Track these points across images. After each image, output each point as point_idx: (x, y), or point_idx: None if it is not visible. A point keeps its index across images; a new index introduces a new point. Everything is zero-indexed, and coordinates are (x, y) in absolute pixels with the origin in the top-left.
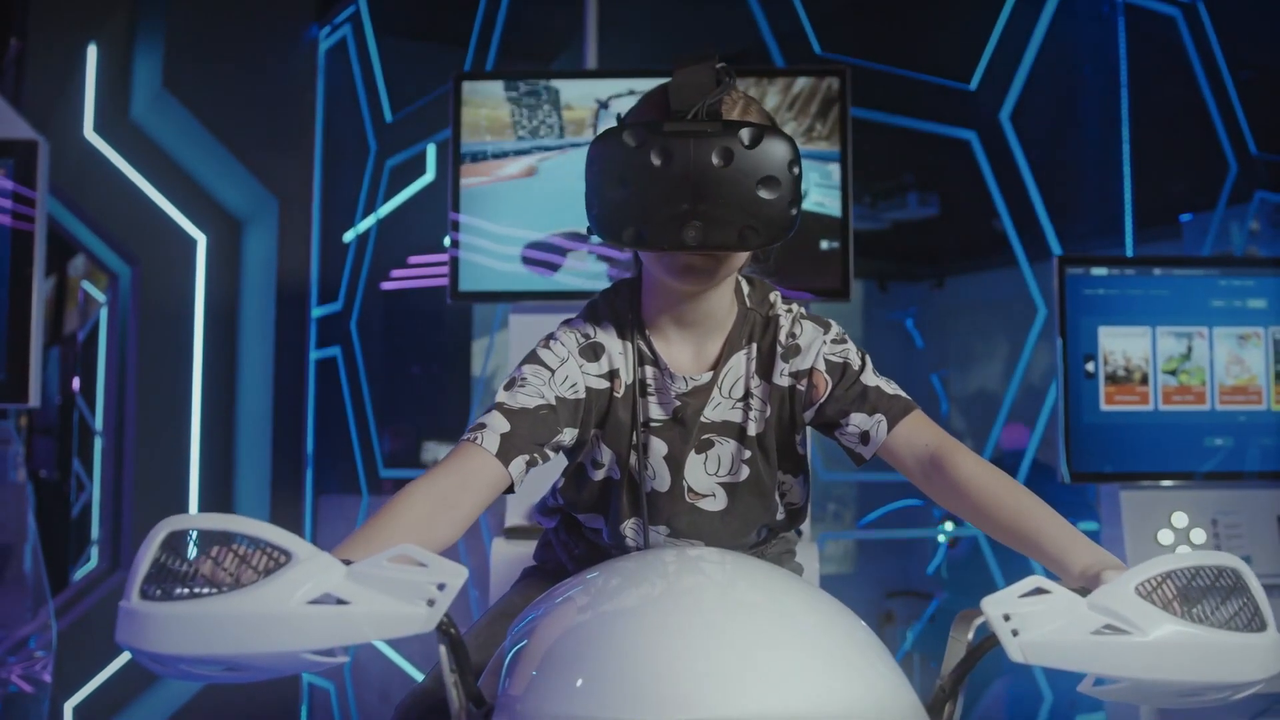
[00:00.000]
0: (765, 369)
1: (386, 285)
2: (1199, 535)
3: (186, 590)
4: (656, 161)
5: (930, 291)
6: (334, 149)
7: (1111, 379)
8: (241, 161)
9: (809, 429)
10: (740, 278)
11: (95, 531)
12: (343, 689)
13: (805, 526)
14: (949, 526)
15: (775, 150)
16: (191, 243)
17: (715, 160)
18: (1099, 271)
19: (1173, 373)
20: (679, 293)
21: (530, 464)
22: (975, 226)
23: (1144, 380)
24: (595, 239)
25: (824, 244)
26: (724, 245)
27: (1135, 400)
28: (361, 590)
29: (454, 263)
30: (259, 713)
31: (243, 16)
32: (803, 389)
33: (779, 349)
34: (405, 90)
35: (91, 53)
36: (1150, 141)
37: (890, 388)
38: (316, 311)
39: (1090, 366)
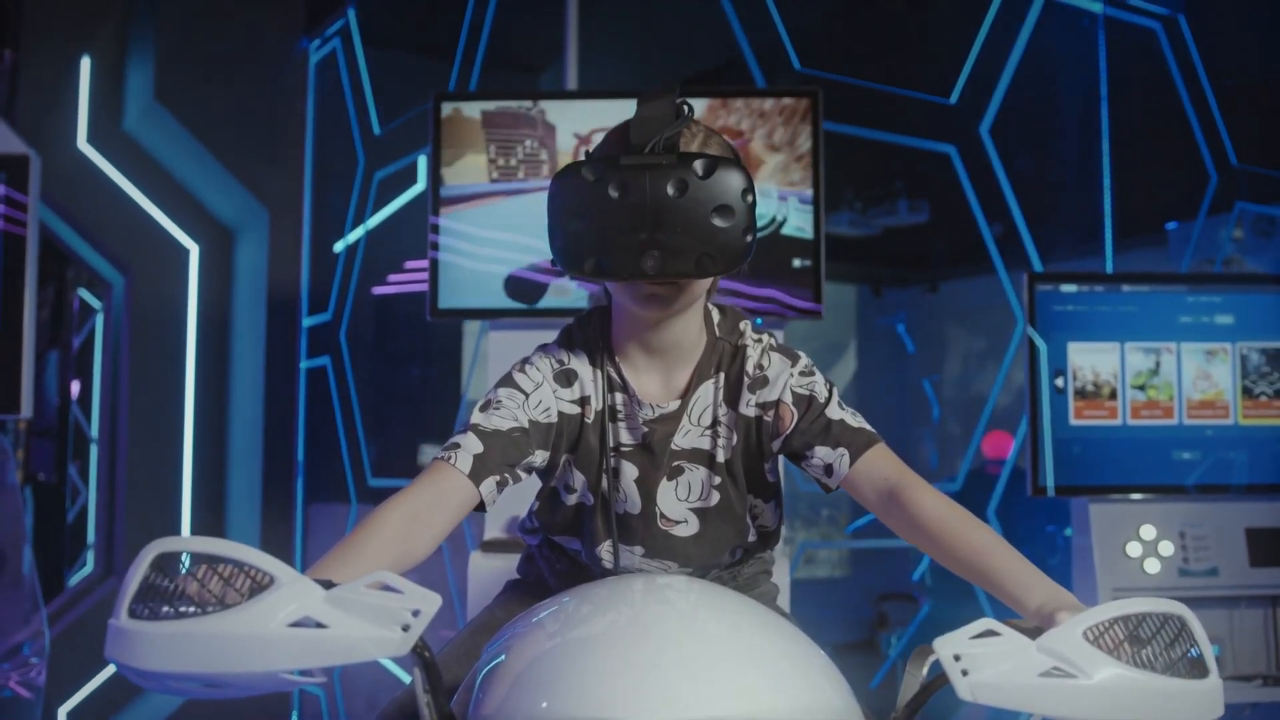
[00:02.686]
0: (732, 398)
1: (379, 290)
2: (1167, 547)
3: (172, 610)
4: (614, 194)
5: (922, 296)
6: (324, 161)
7: (1080, 394)
8: (232, 172)
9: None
10: (712, 306)
11: (91, 536)
12: (332, 696)
13: (778, 549)
14: None
15: (729, 180)
16: (184, 252)
17: (670, 191)
18: (1069, 288)
19: (1141, 388)
20: (644, 320)
21: (501, 484)
22: (965, 233)
23: (1113, 395)
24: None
25: (796, 262)
26: (682, 273)
27: (1104, 415)
28: (340, 614)
29: (434, 274)
30: (250, 718)
31: (233, 29)
32: (770, 420)
33: (746, 379)
34: (394, 103)
35: (84, 65)
36: (1131, 153)
37: (855, 420)
38: (307, 321)
39: (1060, 382)
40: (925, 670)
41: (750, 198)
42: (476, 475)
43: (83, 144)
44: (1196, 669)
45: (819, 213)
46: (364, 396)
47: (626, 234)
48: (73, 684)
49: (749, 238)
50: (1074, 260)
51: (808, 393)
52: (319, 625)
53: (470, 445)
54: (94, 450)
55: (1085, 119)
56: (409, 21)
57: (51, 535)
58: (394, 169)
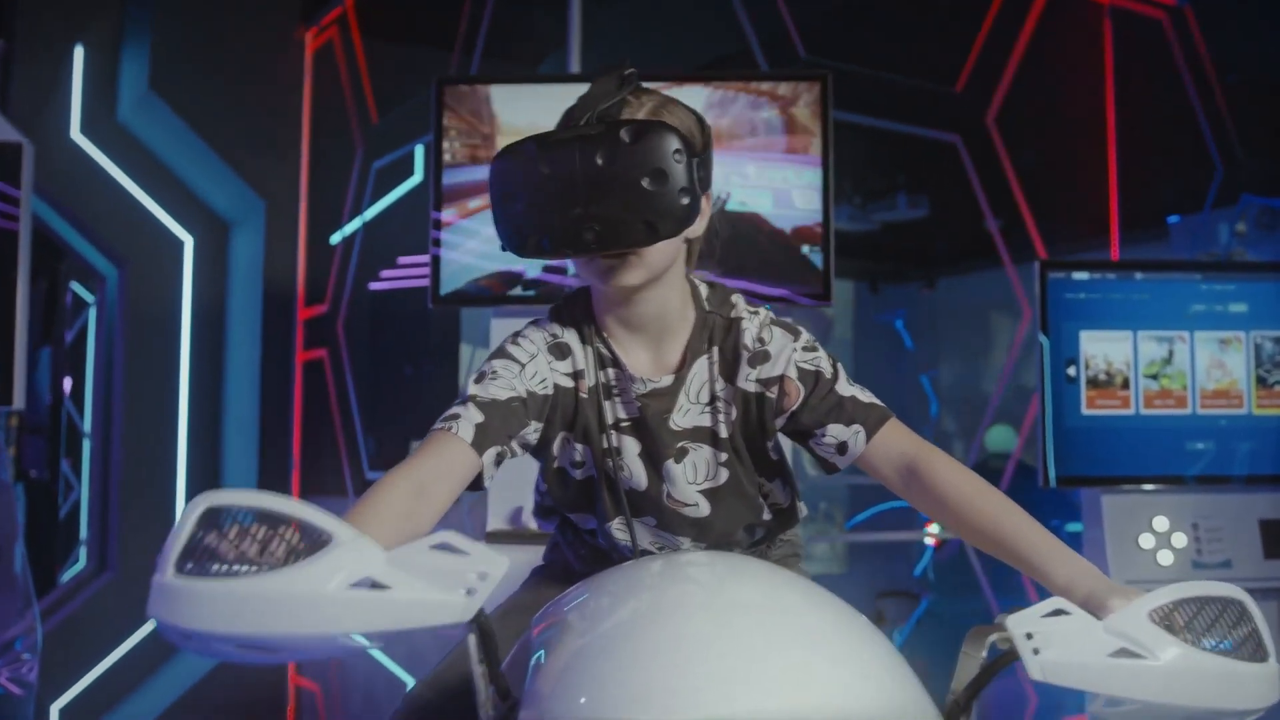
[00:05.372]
0: (729, 371)
1: (375, 286)
2: (1180, 539)
3: (224, 567)
4: (546, 170)
5: (920, 292)
6: (321, 151)
7: (1093, 383)
8: (228, 163)
9: (781, 436)
10: (699, 281)
11: (83, 532)
12: (328, 690)
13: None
14: (935, 528)
15: (658, 143)
16: (179, 244)
17: (599, 160)
18: (1080, 276)
19: (1154, 377)
20: (612, 294)
21: (500, 457)
22: (965, 228)
23: (1125, 384)
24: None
25: (805, 249)
26: (623, 243)
27: (1117, 404)
28: (403, 576)
29: (435, 265)
30: (245, 713)
31: (229, 18)
32: (773, 396)
33: (744, 353)
34: (391, 93)
35: (78, 54)
36: (1136, 144)
37: (865, 396)
38: (303, 313)
39: (1072, 371)
40: (985, 650)
41: (683, 158)
42: (479, 445)
43: (76, 134)
44: (1258, 653)
45: (828, 202)
46: (361, 389)
47: (563, 209)
48: (65, 681)
49: (685, 200)
50: (1076, 254)
51: (814, 368)
52: (377, 587)
53: (471, 415)
54: (87, 445)
55: (1091, 110)
56: (407, 10)
57: (43, 532)
58: (392, 159)
